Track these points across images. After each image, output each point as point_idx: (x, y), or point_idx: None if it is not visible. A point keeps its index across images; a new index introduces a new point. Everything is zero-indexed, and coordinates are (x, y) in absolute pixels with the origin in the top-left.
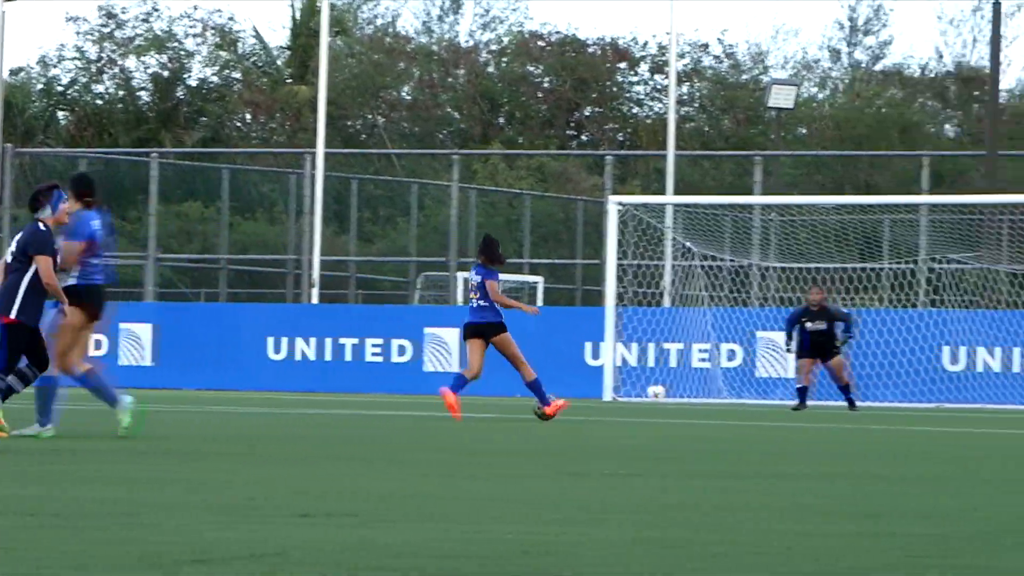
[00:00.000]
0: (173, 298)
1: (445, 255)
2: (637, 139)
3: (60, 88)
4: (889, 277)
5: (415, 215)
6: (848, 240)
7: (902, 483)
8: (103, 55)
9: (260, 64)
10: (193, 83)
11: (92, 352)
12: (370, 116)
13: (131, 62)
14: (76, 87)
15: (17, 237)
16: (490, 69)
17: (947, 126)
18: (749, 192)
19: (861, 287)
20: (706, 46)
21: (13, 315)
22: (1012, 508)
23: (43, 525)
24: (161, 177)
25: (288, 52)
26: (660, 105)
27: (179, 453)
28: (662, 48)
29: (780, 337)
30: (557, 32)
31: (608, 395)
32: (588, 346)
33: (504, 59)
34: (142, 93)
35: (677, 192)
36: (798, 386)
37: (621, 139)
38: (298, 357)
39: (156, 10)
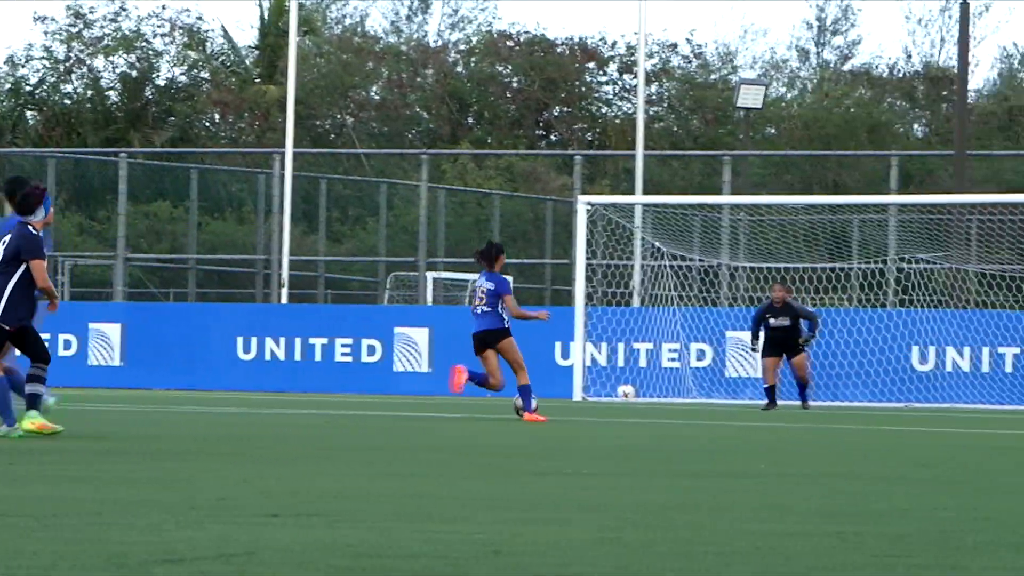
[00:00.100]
0: (142, 298)
1: (414, 255)
2: (606, 139)
3: (28, 88)
4: (858, 277)
5: (384, 215)
6: (817, 240)
7: (870, 483)
8: (71, 55)
9: (228, 64)
10: (161, 83)
11: (64, 352)
12: (339, 116)
13: (99, 62)
14: (44, 87)
15: (4, 239)
16: (459, 69)
17: (916, 126)
18: (718, 192)
19: (830, 287)
20: (675, 46)
21: None
22: (978, 508)
23: (10, 525)
24: (130, 177)
25: (256, 52)
26: (629, 105)
27: (147, 453)
28: (631, 48)
29: (749, 337)
30: (526, 32)
31: (578, 395)
32: (558, 346)
33: (473, 59)
34: (111, 93)
35: (646, 192)
36: (765, 386)
37: (590, 139)
38: (267, 357)
39: (124, 10)
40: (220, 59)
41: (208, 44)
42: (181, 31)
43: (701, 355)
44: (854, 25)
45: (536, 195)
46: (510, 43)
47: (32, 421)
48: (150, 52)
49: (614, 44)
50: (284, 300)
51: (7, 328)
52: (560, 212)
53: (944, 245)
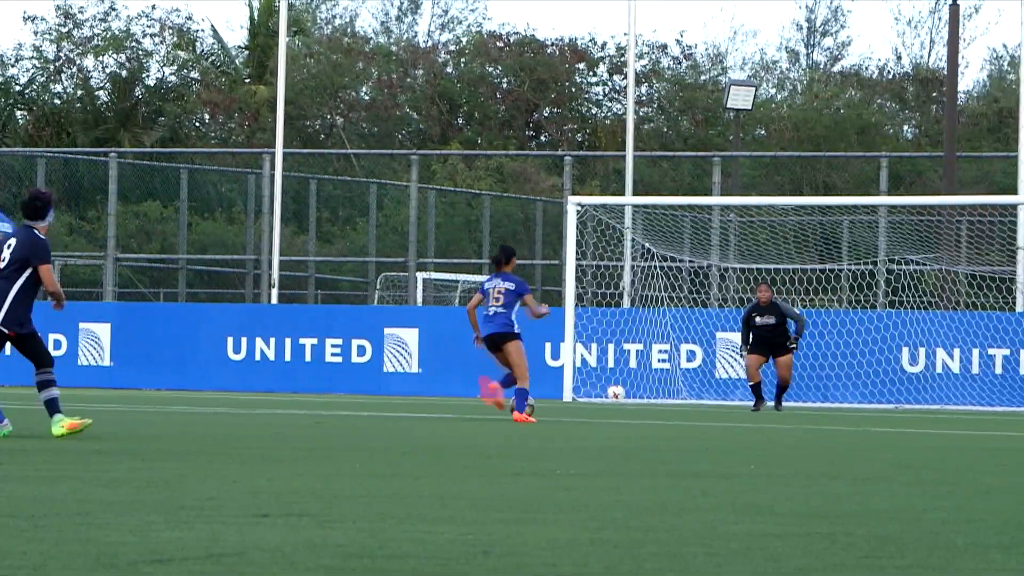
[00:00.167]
0: (132, 298)
1: (404, 255)
2: (596, 140)
3: (18, 88)
4: (848, 278)
5: (374, 215)
6: (807, 241)
7: (860, 484)
8: (61, 55)
9: (218, 64)
10: (151, 83)
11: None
12: (329, 116)
13: (89, 62)
14: (34, 87)
15: (9, 243)
16: (449, 69)
17: (905, 127)
18: (708, 193)
19: (820, 288)
20: (665, 47)
21: None
22: (967, 509)
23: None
24: (120, 177)
25: (246, 52)
26: (619, 106)
27: (137, 453)
28: (620, 49)
29: (739, 338)
30: (516, 33)
31: (567, 396)
32: (547, 346)
33: (463, 59)
34: (100, 93)
35: (636, 193)
36: (750, 384)
37: (580, 140)
38: (257, 357)
39: (114, 10)
40: (210, 59)
41: (198, 44)
42: (171, 31)
43: (691, 356)
44: (844, 26)
45: (526, 196)
46: (500, 44)
47: (61, 424)
48: (140, 52)
49: (604, 45)
50: (274, 300)
51: (6, 332)
52: (550, 213)
53: (934, 246)
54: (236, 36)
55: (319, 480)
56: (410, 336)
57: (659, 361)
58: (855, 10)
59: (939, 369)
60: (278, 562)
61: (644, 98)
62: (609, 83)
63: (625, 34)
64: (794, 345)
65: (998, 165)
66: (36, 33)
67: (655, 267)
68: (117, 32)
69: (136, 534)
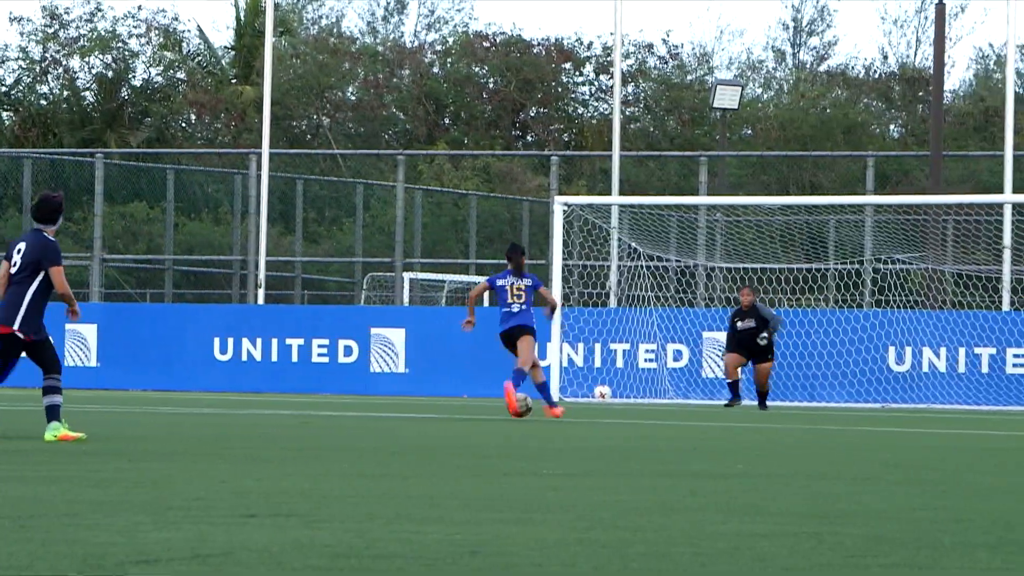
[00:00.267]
0: (119, 299)
1: (391, 256)
2: (582, 139)
3: (4, 88)
4: (834, 277)
5: (360, 215)
6: (793, 240)
7: (847, 483)
8: (47, 55)
9: (204, 64)
10: (138, 83)
11: None
12: (315, 116)
13: (75, 62)
14: (20, 87)
15: (19, 247)
16: (435, 70)
17: (892, 127)
18: (694, 192)
19: (806, 287)
20: (651, 47)
21: (16, 326)
22: (954, 508)
23: None
24: (106, 177)
25: (232, 52)
26: (605, 105)
27: (124, 454)
28: (607, 48)
29: (724, 338)
30: (502, 32)
31: (554, 396)
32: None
33: (449, 59)
34: (87, 93)
35: (623, 192)
36: (728, 381)
37: (566, 139)
38: (244, 358)
39: (100, 10)
40: (196, 60)
41: (184, 45)
42: (157, 31)
43: (678, 356)
44: (830, 26)
45: (512, 195)
46: (486, 44)
47: (55, 432)
48: (126, 53)
49: (590, 45)
50: (261, 301)
51: (22, 338)
52: (537, 212)
53: (920, 246)
54: (222, 36)
55: (307, 480)
56: (397, 336)
57: (646, 361)
58: (841, 10)
59: (925, 368)
60: (265, 562)
61: (630, 98)
62: (595, 83)
63: (611, 34)
64: (765, 342)
65: (984, 164)
66: (22, 34)
67: (642, 267)
68: (103, 33)
69: (124, 535)
